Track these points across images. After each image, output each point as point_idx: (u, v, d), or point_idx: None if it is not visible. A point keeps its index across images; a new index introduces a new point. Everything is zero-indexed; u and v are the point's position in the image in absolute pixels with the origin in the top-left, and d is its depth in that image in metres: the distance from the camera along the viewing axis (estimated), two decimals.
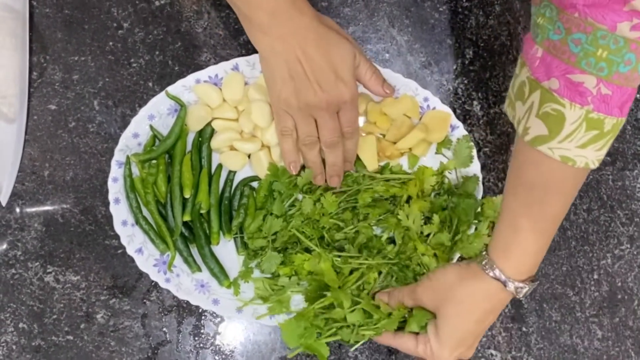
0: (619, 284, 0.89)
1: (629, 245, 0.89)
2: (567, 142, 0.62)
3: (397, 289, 0.80)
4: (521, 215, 0.70)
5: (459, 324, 0.74)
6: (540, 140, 0.63)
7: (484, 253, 0.74)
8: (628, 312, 0.88)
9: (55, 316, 0.84)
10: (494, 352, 0.85)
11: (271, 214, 0.83)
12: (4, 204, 0.85)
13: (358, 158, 0.86)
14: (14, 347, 0.83)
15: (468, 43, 0.91)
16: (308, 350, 0.78)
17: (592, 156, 0.63)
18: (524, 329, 0.86)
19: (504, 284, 0.71)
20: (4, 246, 0.85)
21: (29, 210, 0.85)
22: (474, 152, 0.85)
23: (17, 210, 0.85)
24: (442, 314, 0.74)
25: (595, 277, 0.89)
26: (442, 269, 0.76)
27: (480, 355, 0.85)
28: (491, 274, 0.72)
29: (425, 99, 0.86)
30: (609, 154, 0.88)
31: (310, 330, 0.78)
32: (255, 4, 0.69)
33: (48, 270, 0.85)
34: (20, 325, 0.84)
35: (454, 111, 0.88)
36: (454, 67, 0.90)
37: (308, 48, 0.71)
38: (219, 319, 0.85)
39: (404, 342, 0.77)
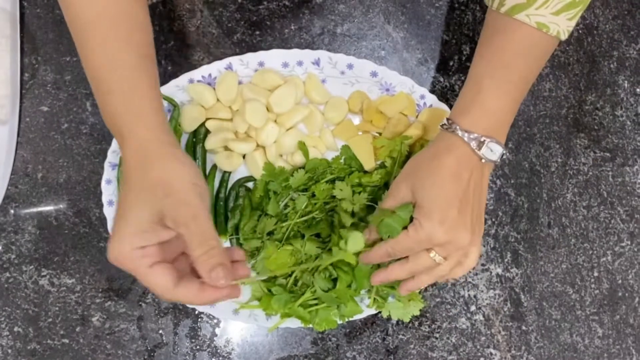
0: (620, 282, 0.88)
1: (629, 242, 0.89)
2: (543, 8, 0.70)
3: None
4: (485, 76, 0.74)
5: (437, 191, 0.72)
6: (518, 8, 0.70)
7: (445, 119, 0.76)
8: (629, 309, 0.87)
9: (50, 319, 0.83)
10: (493, 351, 0.85)
11: (266, 214, 0.83)
12: None
13: (355, 157, 0.85)
14: (9, 351, 0.83)
15: (465, 39, 0.90)
16: (290, 316, 0.79)
17: (564, 25, 0.70)
18: (523, 327, 0.86)
19: (462, 137, 0.72)
20: None
21: (22, 212, 0.85)
22: None
23: (11, 212, 0.84)
24: (419, 192, 0.73)
25: (596, 274, 0.88)
26: (411, 159, 0.77)
27: (479, 354, 0.85)
28: (449, 130, 0.74)
29: (422, 97, 0.85)
30: (608, 150, 0.88)
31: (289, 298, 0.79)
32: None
33: (43, 274, 0.84)
34: (16, 329, 0.83)
35: (451, 108, 0.85)
36: (451, 63, 0.89)
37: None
38: (215, 321, 0.84)
39: (396, 242, 0.73)
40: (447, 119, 0.74)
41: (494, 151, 0.72)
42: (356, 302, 0.79)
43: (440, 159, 0.73)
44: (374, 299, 0.80)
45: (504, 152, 0.72)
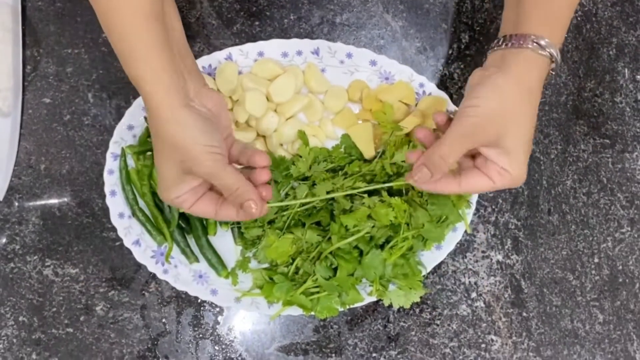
0: (620, 268, 0.88)
1: (629, 228, 0.89)
2: None
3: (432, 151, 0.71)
4: None
5: (524, 138, 0.70)
6: None
7: (496, 43, 0.72)
8: (629, 295, 0.87)
9: (54, 309, 0.84)
10: (494, 338, 0.85)
11: (267, 202, 0.82)
12: (1, 199, 0.85)
13: (355, 146, 0.85)
14: (14, 340, 0.83)
15: (464, 27, 0.90)
16: (292, 304, 0.80)
17: None
18: (524, 314, 0.86)
19: (533, 42, 0.69)
20: (3, 240, 0.85)
21: (26, 204, 0.85)
22: None
23: (15, 204, 0.85)
24: (506, 138, 0.69)
25: (596, 260, 0.88)
26: (472, 92, 0.71)
27: (480, 340, 0.85)
28: (514, 43, 0.70)
29: (421, 85, 0.86)
30: (608, 136, 0.88)
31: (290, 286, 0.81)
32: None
33: (47, 264, 0.85)
34: (20, 318, 0.84)
35: (451, 96, 0.87)
36: (450, 52, 0.90)
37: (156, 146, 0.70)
38: (217, 309, 0.85)
39: (475, 183, 0.71)
40: (498, 41, 0.72)
41: (557, 53, 0.71)
42: (357, 290, 0.80)
43: (531, 95, 0.70)
44: (375, 287, 0.81)
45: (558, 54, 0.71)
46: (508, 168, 0.68)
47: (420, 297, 0.82)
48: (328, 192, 0.80)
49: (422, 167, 0.69)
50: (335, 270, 0.79)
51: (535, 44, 0.68)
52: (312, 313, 0.80)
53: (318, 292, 0.80)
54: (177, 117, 0.66)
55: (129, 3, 0.64)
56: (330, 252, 0.78)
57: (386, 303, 0.80)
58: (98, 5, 0.65)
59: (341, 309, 0.80)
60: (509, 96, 0.68)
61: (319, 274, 0.78)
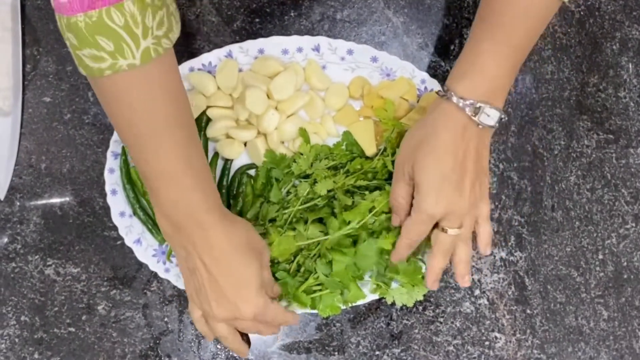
0: (625, 264, 0.88)
1: (634, 224, 0.89)
2: None
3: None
4: (484, 40, 0.74)
5: (434, 171, 0.75)
6: None
7: (442, 86, 0.77)
8: (634, 292, 0.88)
9: (56, 308, 0.85)
10: (498, 335, 0.85)
11: (268, 201, 0.83)
12: (2, 198, 0.85)
13: (356, 143, 0.86)
14: (16, 340, 0.84)
15: (465, 23, 0.90)
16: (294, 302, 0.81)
17: None
18: (528, 311, 0.86)
19: (457, 104, 0.73)
20: (4, 240, 0.86)
21: (27, 203, 0.86)
22: None
23: (16, 203, 0.86)
24: (418, 173, 0.75)
25: (600, 257, 0.89)
26: (409, 133, 0.78)
27: (484, 338, 0.85)
28: (445, 98, 0.74)
29: (423, 81, 0.86)
30: (612, 132, 0.88)
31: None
32: (160, 212, 0.71)
33: (48, 263, 0.86)
34: (22, 318, 0.85)
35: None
36: (452, 47, 0.90)
37: (207, 264, 0.71)
38: None
39: (407, 231, 0.77)
40: (444, 87, 0.75)
41: (491, 116, 0.73)
42: (359, 287, 0.80)
43: (437, 133, 0.74)
44: (377, 284, 0.81)
45: (503, 116, 0.73)
46: (419, 202, 0.74)
47: (423, 295, 0.82)
48: (329, 191, 0.81)
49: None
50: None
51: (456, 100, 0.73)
52: (315, 311, 0.80)
53: (320, 290, 0.80)
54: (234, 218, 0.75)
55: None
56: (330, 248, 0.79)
57: (389, 301, 0.80)
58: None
59: (344, 307, 0.80)
60: (422, 135, 0.75)
61: (319, 270, 0.79)
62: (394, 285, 0.82)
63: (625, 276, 0.88)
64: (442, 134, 0.74)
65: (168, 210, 0.71)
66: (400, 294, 0.81)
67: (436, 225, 0.76)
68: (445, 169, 0.73)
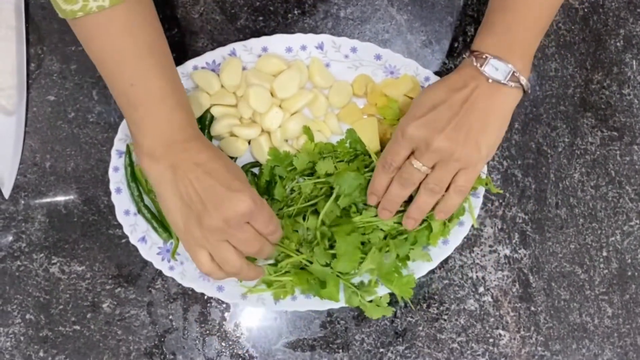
0: (629, 261, 0.88)
1: (638, 221, 0.89)
2: None
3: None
4: (496, 2, 0.77)
5: (426, 94, 0.77)
6: None
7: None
8: (638, 289, 0.87)
9: (61, 306, 0.85)
10: (502, 332, 0.85)
11: (272, 199, 0.83)
12: (7, 197, 0.85)
13: (360, 141, 0.85)
14: (21, 338, 0.84)
15: (469, 20, 0.90)
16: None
17: None
18: (532, 308, 0.86)
19: (468, 57, 0.76)
20: (9, 238, 0.86)
21: (32, 202, 0.86)
22: None
23: (21, 202, 0.86)
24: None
25: (604, 254, 0.88)
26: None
27: (488, 335, 0.85)
28: (465, 56, 0.79)
29: (427, 79, 0.86)
30: (616, 129, 0.88)
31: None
32: (149, 132, 0.71)
33: (53, 261, 0.86)
34: (27, 316, 0.85)
35: None
36: (456, 45, 0.90)
37: (197, 173, 0.71)
38: (224, 306, 0.85)
39: (385, 151, 0.79)
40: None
41: (499, 70, 0.74)
42: (338, 290, 0.81)
43: (448, 76, 0.77)
44: (354, 292, 0.81)
45: (516, 73, 0.73)
46: (401, 122, 0.77)
47: (428, 292, 0.82)
48: (328, 175, 0.82)
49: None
50: (333, 255, 0.80)
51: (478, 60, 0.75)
52: (318, 308, 0.82)
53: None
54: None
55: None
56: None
57: (365, 311, 0.81)
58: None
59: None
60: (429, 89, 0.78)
61: (316, 259, 0.80)
62: (383, 289, 0.83)
63: (629, 273, 0.88)
64: (453, 75, 0.76)
65: (152, 136, 0.71)
66: (372, 308, 0.82)
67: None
68: (438, 100, 0.75)
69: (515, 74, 0.73)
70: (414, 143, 0.75)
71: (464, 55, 0.77)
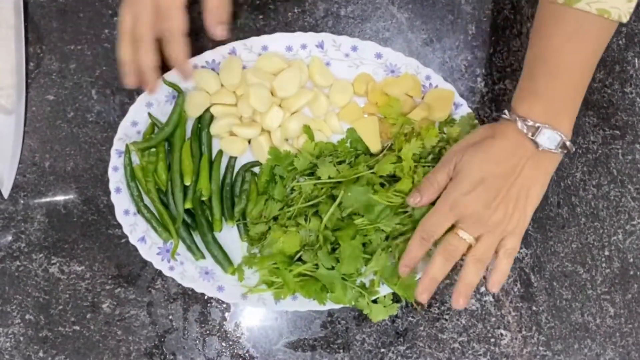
0: (631, 260, 0.88)
1: None
2: None
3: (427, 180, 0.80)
4: (537, 63, 0.76)
5: (477, 165, 0.76)
6: None
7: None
8: None
9: (61, 307, 0.85)
10: (503, 332, 0.85)
11: (272, 198, 0.84)
12: (5, 196, 0.86)
13: (361, 140, 0.86)
14: (21, 338, 0.84)
15: (470, 18, 0.90)
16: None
17: (624, 8, 0.70)
18: (534, 307, 0.86)
19: (515, 122, 0.75)
20: (8, 238, 0.86)
21: (31, 202, 0.86)
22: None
23: (20, 202, 0.86)
24: (461, 163, 0.77)
25: (607, 253, 0.88)
26: (471, 133, 0.80)
27: (490, 335, 0.85)
28: (505, 117, 0.77)
29: (427, 77, 0.86)
30: (618, 127, 0.88)
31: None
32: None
33: (52, 262, 0.86)
34: (27, 316, 0.85)
35: (457, 89, 0.88)
36: (457, 43, 0.90)
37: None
38: (224, 306, 0.86)
39: (425, 219, 0.78)
40: (509, 110, 0.78)
41: (551, 139, 0.74)
42: (344, 289, 0.82)
43: (494, 139, 0.76)
44: (360, 293, 0.82)
45: (565, 140, 0.74)
46: (448, 188, 0.76)
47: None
48: (330, 178, 0.82)
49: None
50: (337, 259, 0.80)
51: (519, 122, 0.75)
52: (318, 308, 0.82)
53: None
54: None
55: None
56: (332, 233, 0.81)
57: (366, 312, 0.82)
58: None
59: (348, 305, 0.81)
60: (481, 137, 0.77)
61: (321, 262, 0.80)
62: (385, 289, 0.83)
63: (631, 272, 0.88)
64: (499, 141, 0.76)
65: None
66: (377, 309, 0.82)
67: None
68: (488, 173, 0.75)
69: (565, 142, 0.74)
70: (459, 216, 0.75)
71: (504, 114, 0.77)
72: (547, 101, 0.76)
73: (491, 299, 0.86)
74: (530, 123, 0.74)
